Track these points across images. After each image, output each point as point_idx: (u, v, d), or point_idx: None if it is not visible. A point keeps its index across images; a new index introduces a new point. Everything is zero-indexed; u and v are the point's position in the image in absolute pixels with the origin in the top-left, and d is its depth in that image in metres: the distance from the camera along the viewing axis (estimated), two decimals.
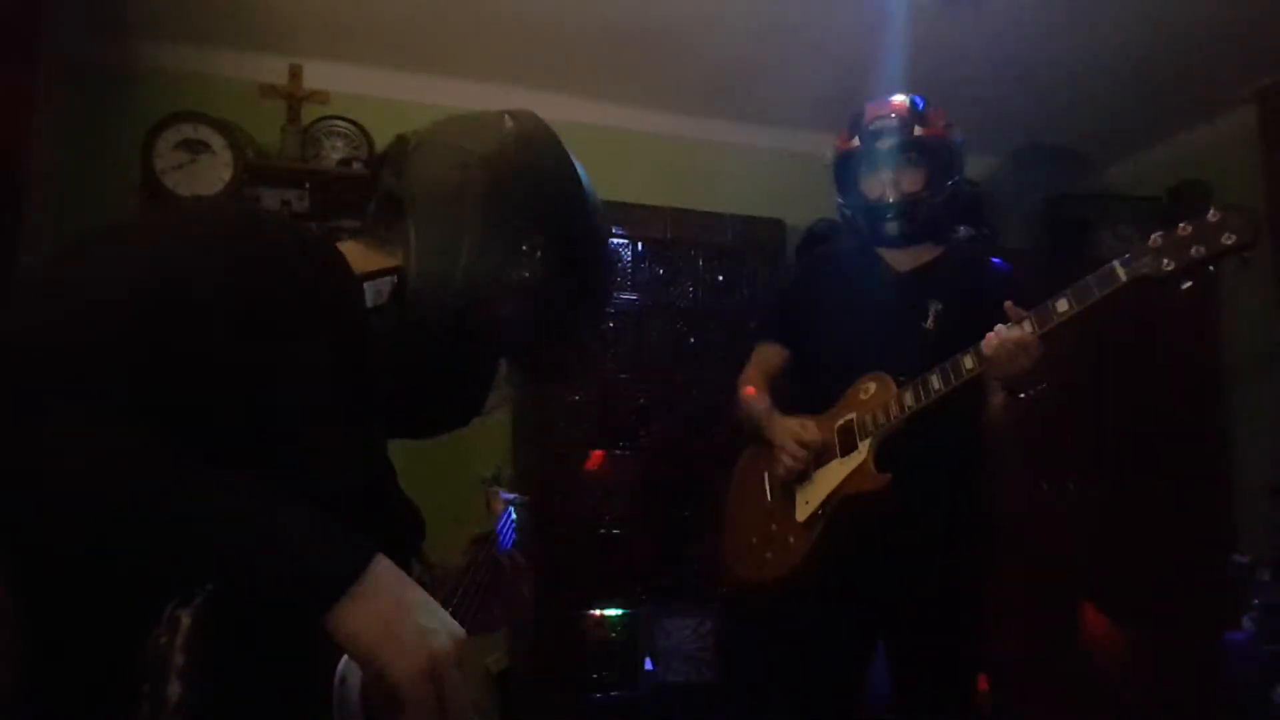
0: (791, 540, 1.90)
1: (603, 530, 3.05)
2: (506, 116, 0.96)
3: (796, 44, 3.00)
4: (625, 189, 3.01)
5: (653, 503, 3.09)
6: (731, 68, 3.18)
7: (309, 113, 3.10)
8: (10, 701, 0.71)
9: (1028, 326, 1.66)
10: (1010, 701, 2.85)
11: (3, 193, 2.11)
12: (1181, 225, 1.55)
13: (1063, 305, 1.64)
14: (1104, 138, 3.65)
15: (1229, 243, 1.51)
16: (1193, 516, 3.24)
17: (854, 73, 2.93)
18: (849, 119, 2.08)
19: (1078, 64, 3.07)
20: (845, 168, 2.05)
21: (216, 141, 2.81)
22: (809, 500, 1.90)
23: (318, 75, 3.13)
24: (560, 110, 2.97)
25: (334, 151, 3.06)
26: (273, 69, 3.10)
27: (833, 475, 1.87)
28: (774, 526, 1.95)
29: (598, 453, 1.26)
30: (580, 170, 0.97)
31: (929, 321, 1.93)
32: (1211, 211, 1.54)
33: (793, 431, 1.92)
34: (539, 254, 0.91)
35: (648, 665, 2.93)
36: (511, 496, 1.46)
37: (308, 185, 2.95)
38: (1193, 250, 1.53)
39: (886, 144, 1.97)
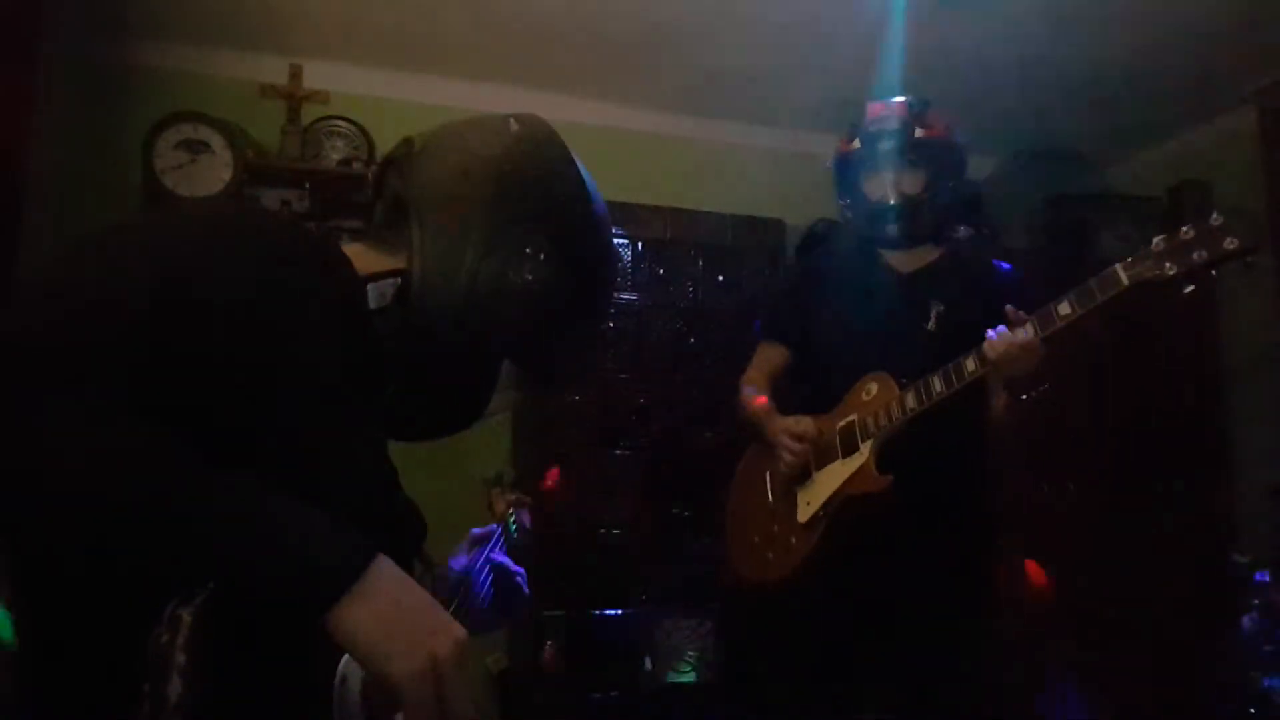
0: (793, 541, 1.90)
1: (603, 530, 3.05)
2: (512, 120, 0.96)
3: (796, 44, 3.00)
4: (625, 189, 3.01)
5: (653, 503, 3.09)
6: (732, 68, 3.18)
7: (309, 113, 3.10)
8: (10, 701, 0.71)
9: (1030, 329, 1.66)
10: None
11: (3, 193, 2.11)
12: (1184, 229, 1.55)
13: (1065, 308, 1.64)
14: (1104, 138, 3.65)
15: (1231, 247, 1.51)
16: (1193, 516, 3.24)
17: (854, 73, 2.92)
18: (849, 121, 2.08)
19: (1078, 64, 3.07)
20: (846, 170, 2.06)
21: (216, 141, 2.81)
22: (810, 501, 1.90)
23: (318, 75, 3.13)
24: (560, 110, 2.97)
25: (334, 151, 3.05)
26: (273, 69, 3.10)
27: (834, 476, 1.87)
28: (776, 527, 1.96)
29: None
30: (585, 173, 0.97)
31: (931, 323, 1.93)
32: (1214, 215, 1.53)
33: (788, 427, 1.92)
34: (543, 256, 0.91)
35: (647, 665, 2.92)
36: (513, 497, 1.46)
37: (308, 185, 2.94)
38: (1195, 255, 1.53)
39: (887, 146, 1.97)
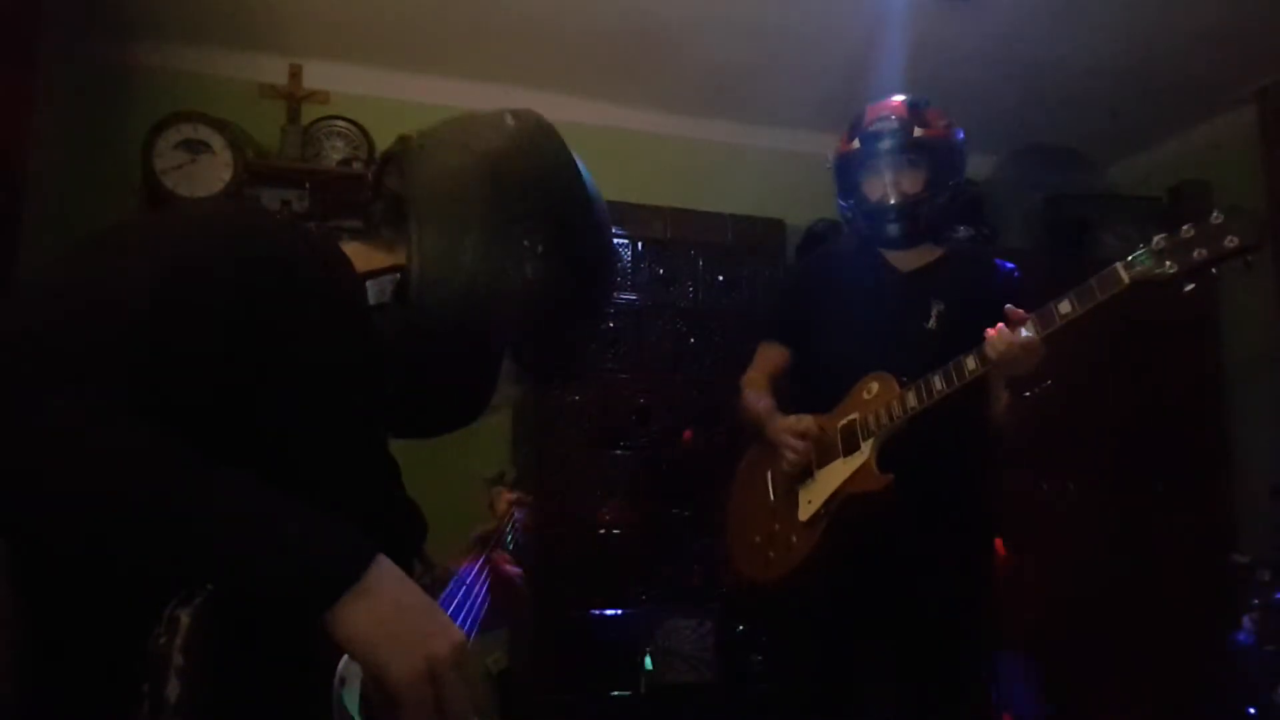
0: (794, 540, 1.90)
1: (603, 530, 3.05)
2: (508, 115, 0.96)
3: (796, 44, 3.00)
4: (625, 189, 3.01)
5: (653, 503, 3.09)
6: (731, 68, 3.18)
7: (309, 113, 3.10)
8: (10, 702, 0.71)
9: (1030, 328, 1.66)
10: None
11: (3, 193, 2.11)
12: (1185, 227, 1.55)
13: (1065, 307, 1.64)
14: (1104, 138, 3.65)
15: (1232, 246, 1.51)
16: (1193, 516, 3.24)
17: (854, 73, 2.93)
18: (849, 121, 2.08)
19: (1078, 64, 3.07)
20: (846, 170, 2.05)
21: (216, 141, 2.81)
22: (812, 500, 1.90)
23: (318, 75, 3.13)
24: (560, 110, 2.94)
25: (334, 151, 3.06)
26: (273, 69, 3.10)
27: (836, 475, 1.87)
28: (777, 526, 1.96)
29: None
30: (582, 166, 0.97)
31: (931, 322, 1.93)
32: (1215, 214, 1.53)
33: (790, 426, 1.92)
34: (541, 249, 0.91)
35: (648, 665, 2.92)
36: (514, 496, 1.45)
37: (308, 185, 2.95)
38: (1195, 253, 1.53)
39: (886, 146, 1.97)
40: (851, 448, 1.87)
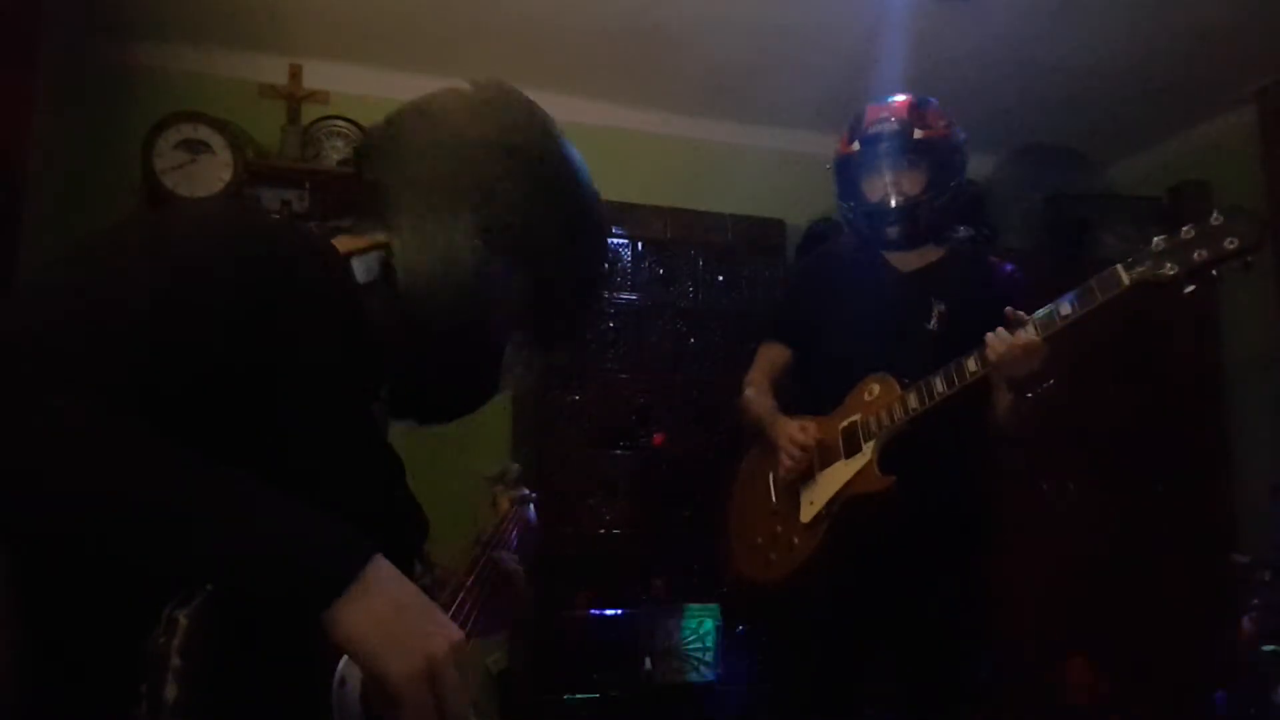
0: (796, 541, 1.90)
1: (603, 530, 3.05)
2: (467, 84, 0.99)
3: (796, 44, 2.99)
4: (625, 189, 3.01)
5: (653, 503, 3.09)
6: (731, 68, 3.17)
7: (309, 113, 3.09)
8: (10, 702, 0.70)
9: (1031, 330, 1.66)
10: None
11: (3, 193, 2.11)
12: (1185, 228, 1.55)
13: (1066, 308, 1.65)
14: (1104, 138, 3.65)
15: (1232, 247, 1.50)
16: (1193, 516, 3.24)
17: (854, 73, 2.93)
18: (849, 122, 2.08)
19: (1078, 64, 3.07)
20: (846, 171, 2.05)
21: (216, 141, 2.81)
22: (814, 501, 1.90)
23: (318, 75, 3.13)
24: (560, 110, 2.93)
25: (334, 151, 3.05)
26: (272, 69, 3.10)
27: (837, 476, 1.87)
28: (778, 527, 1.95)
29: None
30: (553, 126, 0.98)
31: (932, 322, 1.93)
32: (1215, 215, 1.53)
33: (791, 434, 1.92)
34: (521, 207, 0.91)
35: (647, 665, 2.92)
36: (517, 494, 1.44)
37: (308, 185, 2.94)
38: (1195, 254, 1.53)
39: (887, 147, 1.97)
40: (853, 449, 1.87)
